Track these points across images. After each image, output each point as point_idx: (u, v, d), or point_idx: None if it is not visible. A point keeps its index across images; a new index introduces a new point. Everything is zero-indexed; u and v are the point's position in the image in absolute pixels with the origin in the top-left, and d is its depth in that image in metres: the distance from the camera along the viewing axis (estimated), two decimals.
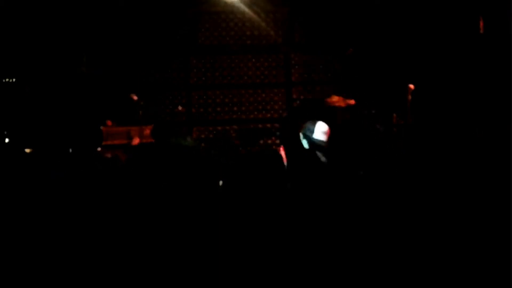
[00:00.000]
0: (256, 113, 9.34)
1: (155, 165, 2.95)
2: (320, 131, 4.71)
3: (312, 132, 4.69)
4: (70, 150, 6.79)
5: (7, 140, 7.75)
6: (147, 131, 7.26)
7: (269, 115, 9.36)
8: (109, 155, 5.97)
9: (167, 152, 3.11)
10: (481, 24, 7.67)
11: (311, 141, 4.62)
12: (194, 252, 2.54)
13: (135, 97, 7.85)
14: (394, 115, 8.76)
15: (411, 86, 7.32)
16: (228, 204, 2.66)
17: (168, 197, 2.79)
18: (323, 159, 4.47)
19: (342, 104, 8.25)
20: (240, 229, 2.59)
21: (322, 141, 4.66)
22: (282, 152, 5.12)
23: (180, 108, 8.94)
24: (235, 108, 9.30)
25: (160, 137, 6.69)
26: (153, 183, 2.86)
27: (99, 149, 7.03)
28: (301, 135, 4.67)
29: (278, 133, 9.08)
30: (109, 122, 7.75)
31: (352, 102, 8.47)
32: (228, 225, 2.60)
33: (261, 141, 9.25)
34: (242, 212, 2.66)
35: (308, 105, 9.18)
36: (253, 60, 9.32)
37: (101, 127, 7.28)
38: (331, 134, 4.82)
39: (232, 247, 2.53)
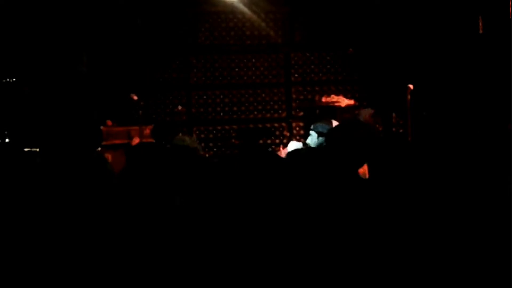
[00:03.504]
0: (256, 113, 9.34)
1: (153, 165, 2.96)
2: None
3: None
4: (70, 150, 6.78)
5: (7, 140, 7.75)
6: (147, 131, 7.27)
7: (269, 115, 9.36)
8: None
9: (164, 153, 3.12)
10: (481, 24, 7.68)
11: (318, 132, 5.10)
12: (192, 253, 2.55)
13: (135, 97, 7.86)
14: (394, 115, 8.77)
15: (411, 86, 7.33)
16: (224, 205, 2.67)
17: (165, 198, 2.80)
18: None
19: (342, 104, 8.26)
20: (237, 230, 2.59)
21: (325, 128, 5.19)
22: (283, 153, 5.27)
23: (180, 108, 8.94)
24: (235, 108, 9.30)
25: (160, 137, 6.70)
26: (151, 184, 2.87)
27: (99, 149, 7.02)
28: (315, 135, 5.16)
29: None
30: (109, 122, 7.77)
31: (352, 102, 8.49)
32: (225, 226, 2.61)
33: (261, 141, 9.26)
34: (239, 213, 2.67)
35: (308, 105, 9.18)
36: (253, 60, 9.32)
37: (101, 127, 7.28)
38: (331, 133, 5.06)
39: (229, 248, 2.53)
